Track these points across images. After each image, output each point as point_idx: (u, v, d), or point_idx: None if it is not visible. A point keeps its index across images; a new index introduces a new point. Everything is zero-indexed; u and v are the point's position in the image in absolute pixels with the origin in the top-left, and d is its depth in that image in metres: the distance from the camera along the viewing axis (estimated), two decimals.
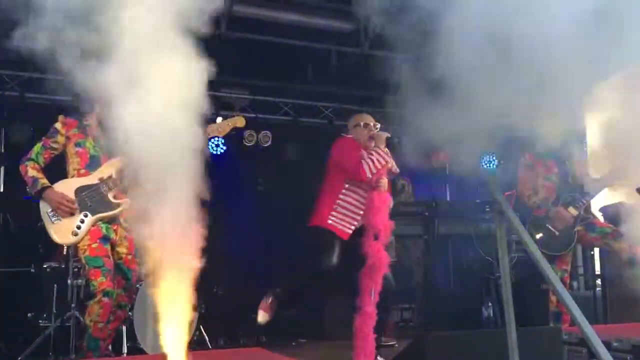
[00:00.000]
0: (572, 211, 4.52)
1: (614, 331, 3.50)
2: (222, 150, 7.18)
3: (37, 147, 3.71)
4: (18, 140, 6.06)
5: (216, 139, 6.81)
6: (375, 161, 3.96)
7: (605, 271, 5.42)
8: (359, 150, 4.08)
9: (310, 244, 4.13)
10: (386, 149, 4.03)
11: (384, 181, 4.06)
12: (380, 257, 3.88)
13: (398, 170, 4.25)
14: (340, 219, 4.00)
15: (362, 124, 4.21)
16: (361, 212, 4.03)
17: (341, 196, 4.05)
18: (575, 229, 4.55)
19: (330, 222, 3.99)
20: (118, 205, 3.69)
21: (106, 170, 3.71)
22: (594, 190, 4.59)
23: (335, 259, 3.88)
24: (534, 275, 4.85)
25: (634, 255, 4.28)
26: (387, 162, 4.00)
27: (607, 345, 3.08)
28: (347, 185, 4.05)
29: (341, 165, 4.11)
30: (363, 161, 3.96)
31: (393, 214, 5.39)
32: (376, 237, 3.92)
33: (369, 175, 3.93)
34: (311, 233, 4.07)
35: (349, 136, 4.26)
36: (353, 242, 3.96)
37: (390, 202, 4.10)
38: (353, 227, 4.01)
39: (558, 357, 3.20)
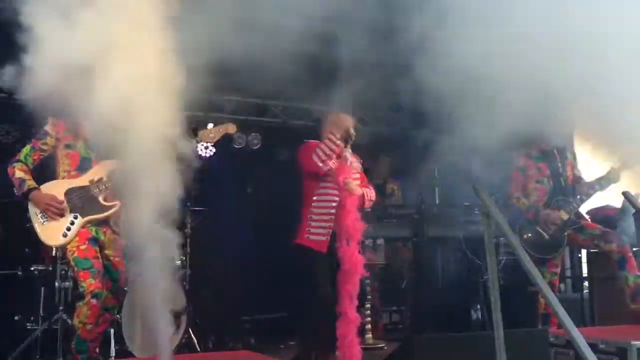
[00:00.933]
0: (563, 215, 4.54)
1: (600, 333, 3.53)
2: (211, 153, 7.17)
3: (27, 148, 3.73)
4: (5, 142, 6.02)
5: None
6: (324, 148, 3.84)
7: (593, 273, 5.46)
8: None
9: (299, 264, 4.05)
10: (336, 135, 3.89)
11: (352, 182, 3.98)
12: (354, 261, 3.84)
13: (359, 166, 4.16)
14: (315, 228, 3.91)
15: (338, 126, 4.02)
16: (332, 215, 3.93)
17: (314, 204, 3.97)
18: (566, 232, 4.57)
19: (307, 236, 3.92)
20: (108, 207, 3.70)
21: (97, 172, 3.73)
22: (587, 194, 4.60)
23: (328, 280, 3.83)
24: (523, 278, 4.87)
25: (623, 256, 4.31)
26: (337, 146, 3.86)
27: (594, 347, 3.11)
28: (319, 191, 3.97)
29: (301, 167, 4.01)
30: (313, 154, 3.86)
31: (382, 217, 5.41)
32: (348, 242, 3.86)
33: (319, 164, 3.81)
34: (296, 251, 3.99)
35: (314, 141, 4.09)
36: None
37: (360, 204, 4.01)
38: (328, 233, 3.91)
39: (545, 359, 3.21)
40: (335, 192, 3.96)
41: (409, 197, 7.00)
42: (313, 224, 3.93)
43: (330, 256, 3.89)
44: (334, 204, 3.95)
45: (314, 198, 3.97)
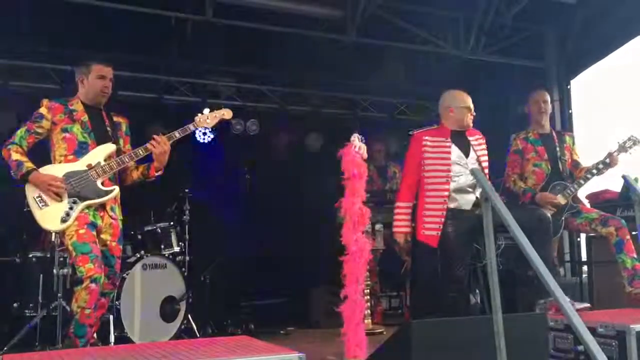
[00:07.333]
0: (561, 200, 4.51)
1: (599, 317, 3.52)
2: (209, 139, 7.17)
3: (21, 131, 3.67)
4: (1, 128, 5.98)
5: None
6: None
7: (592, 257, 5.45)
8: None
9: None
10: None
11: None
12: (360, 245, 3.82)
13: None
14: (428, 224, 4.04)
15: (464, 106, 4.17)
16: (444, 211, 4.02)
17: (426, 199, 4.07)
18: (563, 217, 4.55)
19: (422, 232, 4.07)
20: (107, 192, 3.67)
21: (94, 156, 3.69)
22: (584, 178, 4.58)
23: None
24: (522, 262, 4.85)
25: (621, 239, 4.28)
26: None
27: (592, 331, 3.11)
28: (429, 187, 4.07)
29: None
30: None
31: (382, 202, 5.39)
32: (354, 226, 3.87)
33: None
34: (415, 246, 4.19)
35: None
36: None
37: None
38: (439, 228, 4.01)
39: (544, 343, 3.21)
40: (446, 186, 4.05)
41: None
42: (426, 219, 4.07)
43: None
44: (444, 199, 4.04)
45: (425, 194, 4.09)
